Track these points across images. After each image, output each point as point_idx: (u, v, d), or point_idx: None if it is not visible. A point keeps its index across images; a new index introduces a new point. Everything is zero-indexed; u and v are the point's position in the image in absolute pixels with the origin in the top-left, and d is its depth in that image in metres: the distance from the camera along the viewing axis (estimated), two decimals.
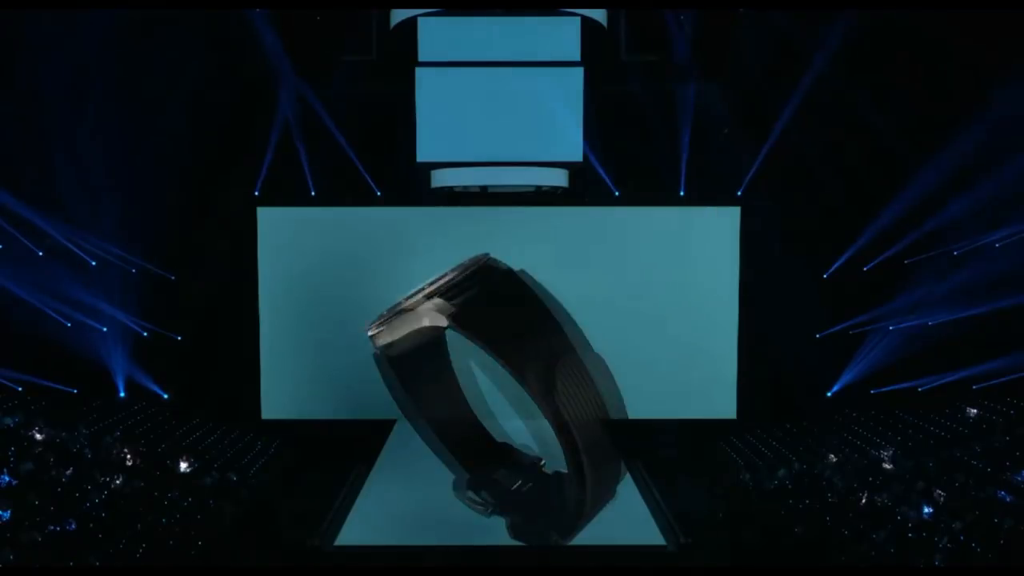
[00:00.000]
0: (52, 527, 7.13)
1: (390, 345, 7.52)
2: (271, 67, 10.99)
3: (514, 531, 7.60)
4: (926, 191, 10.80)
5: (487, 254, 7.98)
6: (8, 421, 9.27)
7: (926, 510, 7.77)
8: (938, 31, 10.39)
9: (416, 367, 8.02)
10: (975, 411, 10.45)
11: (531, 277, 7.75)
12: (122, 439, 9.69)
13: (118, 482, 8.31)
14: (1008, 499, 7.81)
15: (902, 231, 11.14)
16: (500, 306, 7.33)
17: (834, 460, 9.40)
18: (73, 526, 7.25)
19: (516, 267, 8.02)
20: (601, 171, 11.45)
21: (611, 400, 7.63)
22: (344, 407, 11.47)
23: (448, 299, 7.12)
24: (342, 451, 10.41)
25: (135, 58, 10.85)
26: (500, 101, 9.90)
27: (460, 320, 7.00)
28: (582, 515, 7.23)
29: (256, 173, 11.42)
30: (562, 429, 6.91)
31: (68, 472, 8.32)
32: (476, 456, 8.35)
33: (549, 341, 7.23)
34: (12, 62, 10.26)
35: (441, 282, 7.35)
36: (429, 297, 7.23)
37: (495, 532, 7.56)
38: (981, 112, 10.16)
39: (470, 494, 7.85)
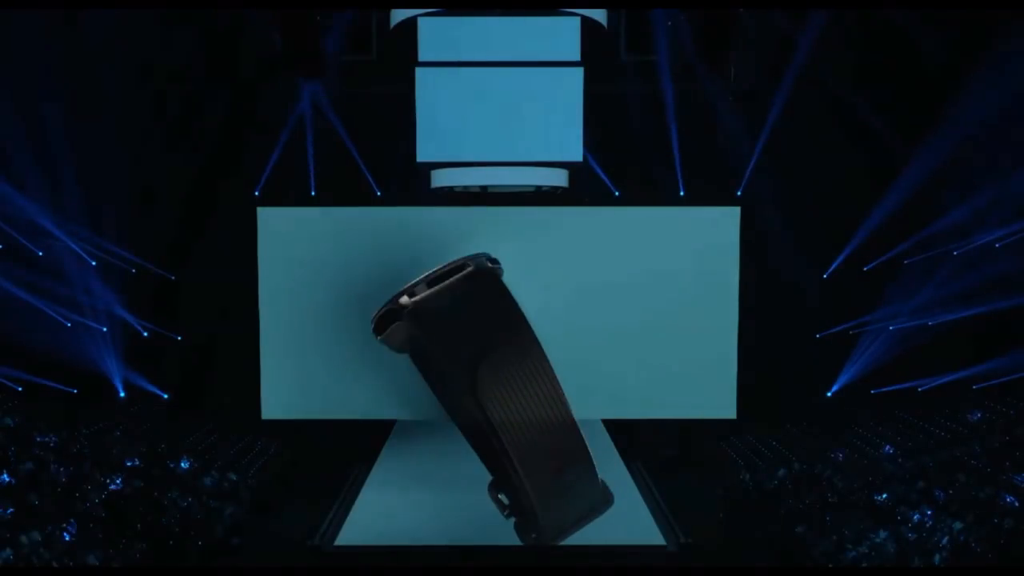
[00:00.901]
0: (52, 527, 7.12)
1: (384, 341, 7.51)
2: (271, 67, 10.99)
3: (518, 531, 7.57)
4: (927, 191, 10.79)
5: (485, 254, 7.95)
6: (8, 421, 9.26)
7: (926, 510, 7.76)
8: (940, 30, 10.40)
9: (425, 364, 7.97)
10: (975, 411, 10.45)
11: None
12: (122, 439, 9.70)
13: (118, 482, 8.30)
14: (1008, 499, 7.80)
15: (903, 231, 11.14)
16: (463, 304, 7.22)
17: (834, 460, 9.40)
18: (73, 526, 7.25)
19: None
20: (600, 171, 11.44)
21: (586, 400, 7.53)
22: (344, 407, 11.46)
23: (413, 295, 7.09)
24: (342, 451, 10.41)
25: (134, 57, 10.87)
26: (500, 101, 9.87)
27: (412, 316, 6.97)
28: (535, 518, 7.05)
29: (256, 173, 11.42)
30: (490, 430, 6.80)
31: (68, 472, 8.32)
32: (488, 458, 8.25)
33: (502, 341, 7.08)
34: (11, 60, 10.25)
35: (421, 279, 7.32)
36: (406, 294, 7.23)
37: (495, 532, 7.53)
38: (982, 111, 10.16)
39: (500, 496, 7.76)
